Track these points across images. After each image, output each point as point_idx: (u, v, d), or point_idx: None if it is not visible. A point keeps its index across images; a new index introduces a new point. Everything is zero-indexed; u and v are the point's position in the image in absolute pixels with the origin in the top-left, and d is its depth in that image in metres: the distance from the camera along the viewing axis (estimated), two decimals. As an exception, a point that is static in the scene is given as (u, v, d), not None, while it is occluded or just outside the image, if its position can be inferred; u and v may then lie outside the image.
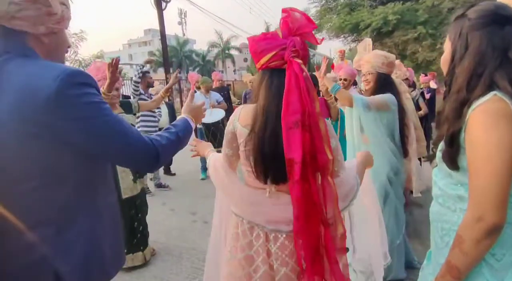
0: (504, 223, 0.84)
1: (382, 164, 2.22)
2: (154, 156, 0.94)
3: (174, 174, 5.57)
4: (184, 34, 41.49)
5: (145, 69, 4.25)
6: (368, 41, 2.51)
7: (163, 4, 9.52)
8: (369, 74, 2.28)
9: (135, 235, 2.60)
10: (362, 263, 1.51)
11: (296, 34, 1.10)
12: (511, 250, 0.88)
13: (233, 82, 24.38)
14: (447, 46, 1.00)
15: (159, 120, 4.71)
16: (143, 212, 2.71)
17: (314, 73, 2.60)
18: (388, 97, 2.20)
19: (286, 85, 1.04)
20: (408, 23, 11.11)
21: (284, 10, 1.14)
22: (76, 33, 10.04)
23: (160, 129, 4.67)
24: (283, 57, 1.08)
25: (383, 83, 2.25)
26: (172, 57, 36.19)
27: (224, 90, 6.92)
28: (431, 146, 1.12)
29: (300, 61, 1.06)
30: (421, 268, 1.18)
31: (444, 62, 1.02)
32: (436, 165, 1.05)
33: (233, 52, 41.23)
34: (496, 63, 0.87)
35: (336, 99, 2.76)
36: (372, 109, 2.18)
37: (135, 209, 2.62)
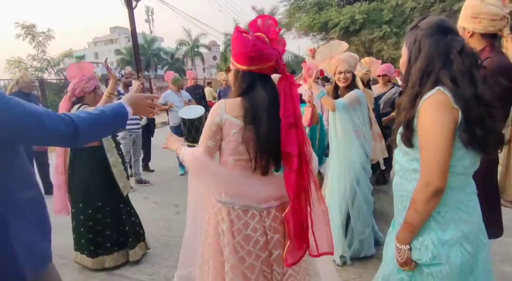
0: (445, 187, 1.10)
1: (356, 154, 2.59)
2: (72, 128, 1.00)
3: (152, 171, 5.60)
4: (151, 32, 40.36)
5: (123, 72, 4.42)
6: (343, 44, 2.75)
7: (134, 3, 9.26)
8: (348, 72, 2.55)
9: (136, 229, 2.69)
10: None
11: (274, 42, 1.32)
12: (452, 208, 1.15)
13: (204, 80, 24.18)
14: (404, 51, 1.25)
15: (141, 118, 4.74)
16: (133, 207, 2.79)
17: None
18: (357, 91, 2.54)
19: (283, 92, 1.28)
20: (374, 22, 11.60)
21: (263, 17, 1.31)
22: (43, 31, 9.49)
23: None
24: (276, 67, 1.31)
25: (354, 81, 2.60)
26: (140, 55, 35.09)
27: (199, 89, 6.94)
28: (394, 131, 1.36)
29: (289, 73, 1.32)
30: (387, 234, 1.42)
31: (402, 63, 1.27)
32: (397, 147, 1.31)
33: (202, 50, 40.75)
34: (440, 64, 1.12)
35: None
36: (350, 109, 2.51)
37: (130, 205, 2.71)
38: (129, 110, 1.21)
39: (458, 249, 1.13)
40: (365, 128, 2.67)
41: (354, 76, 2.61)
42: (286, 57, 18.79)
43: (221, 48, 42.05)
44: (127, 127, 4.32)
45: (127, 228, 2.58)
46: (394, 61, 12.09)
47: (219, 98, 7.32)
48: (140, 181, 4.89)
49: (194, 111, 4.72)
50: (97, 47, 51.92)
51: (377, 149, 2.99)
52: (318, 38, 16.37)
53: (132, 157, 4.85)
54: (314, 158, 1.50)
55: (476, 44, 1.74)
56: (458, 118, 1.08)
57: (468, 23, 1.75)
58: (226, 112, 1.30)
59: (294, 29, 15.89)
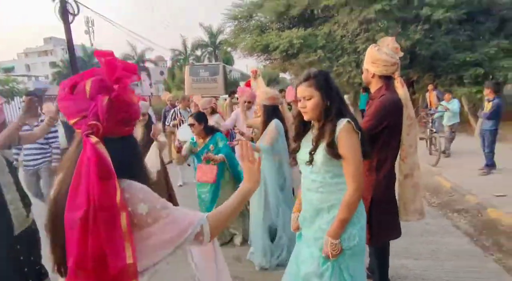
0: None
1: (275, 175, 2.98)
2: None
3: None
4: (92, 44, 38.40)
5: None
6: (260, 80, 3.33)
7: (70, 17, 8.81)
8: (258, 105, 3.12)
9: (36, 269, 2.42)
10: None
11: (108, 90, 0.91)
12: (361, 204, 1.71)
13: (150, 97, 23.51)
14: (317, 94, 1.63)
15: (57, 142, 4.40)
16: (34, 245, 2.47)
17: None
18: (275, 123, 2.92)
19: (76, 170, 0.84)
20: (309, 47, 12.43)
21: (98, 53, 0.93)
22: None
23: (62, 151, 4.37)
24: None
25: (270, 113, 3.01)
26: (79, 69, 33.07)
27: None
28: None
29: (94, 140, 0.84)
30: (296, 246, 1.90)
31: (317, 105, 1.65)
32: (311, 167, 1.69)
33: (149, 64, 39.77)
34: (340, 102, 1.65)
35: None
36: (272, 145, 2.90)
37: (30, 243, 2.42)
38: None
39: (363, 231, 1.71)
40: (283, 153, 3.00)
41: (268, 108, 3.02)
42: (233, 75, 19.17)
43: (168, 63, 41.46)
44: (32, 162, 4.07)
45: (26, 269, 2.35)
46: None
47: (164, 119, 7.00)
48: None
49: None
50: (29, 59, 47.83)
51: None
52: (262, 58, 17.02)
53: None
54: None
55: (376, 83, 2.23)
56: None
57: (370, 66, 2.19)
58: None
59: (239, 49, 16.33)
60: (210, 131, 3.37)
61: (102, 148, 0.85)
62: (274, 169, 2.98)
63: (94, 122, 0.86)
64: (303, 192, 1.82)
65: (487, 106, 5.70)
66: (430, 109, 10.08)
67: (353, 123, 1.59)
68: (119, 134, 0.95)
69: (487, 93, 5.79)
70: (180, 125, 5.24)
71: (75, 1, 8.93)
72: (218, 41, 31.80)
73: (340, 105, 1.64)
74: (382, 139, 2.18)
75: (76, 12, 9.00)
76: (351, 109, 2.20)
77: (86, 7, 9.72)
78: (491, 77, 11.36)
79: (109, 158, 0.85)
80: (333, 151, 1.58)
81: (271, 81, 39.95)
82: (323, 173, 1.66)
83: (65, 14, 8.77)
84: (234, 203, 1.12)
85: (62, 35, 9.75)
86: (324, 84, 1.63)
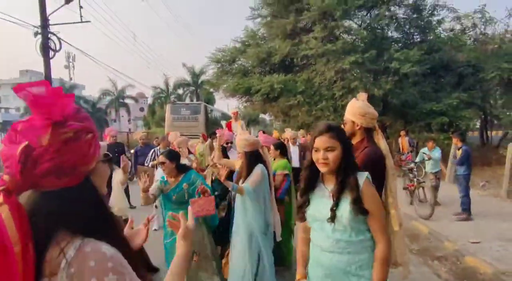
0: None
1: (259, 218, 3.00)
2: None
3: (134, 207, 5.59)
4: (71, 79, 38.24)
5: None
6: (241, 123, 3.40)
7: (51, 53, 8.93)
8: (239, 153, 3.26)
9: None
10: None
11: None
12: None
13: (128, 133, 23.23)
14: (339, 146, 1.57)
15: None
16: None
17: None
18: (260, 168, 3.02)
19: None
20: (290, 91, 13.09)
21: (18, 89, 0.71)
22: None
23: None
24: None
25: (253, 158, 3.07)
26: (55, 102, 32.49)
27: (119, 146, 6.50)
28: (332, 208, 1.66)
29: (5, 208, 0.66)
30: None
31: (338, 158, 1.58)
32: (333, 225, 1.58)
33: (129, 101, 39.75)
34: (353, 156, 1.69)
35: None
36: (257, 189, 2.94)
37: None
38: None
39: None
40: (267, 197, 3.11)
41: (249, 154, 3.08)
42: (214, 115, 19.52)
43: (150, 100, 41.67)
44: None
45: None
46: (308, 126, 13.59)
47: (136, 158, 6.81)
48: None
49: None
50: (2, 90, 46.66)
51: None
52: (243, 100, 17.56)
53: None
54: None
55: (360, 135, 2.31)
56: None
57: (357, 119, 2.23)
58: None
59: (221, 90, 16.85)
60: (182, 169, 3.15)
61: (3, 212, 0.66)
62: (258, 211, 3.01)
63: (3, 175, 0.70)
64: (317, 254, 1.66)
65: (458, 153, 6.16)
66: (403, 154, 10.65)
67: (369, 177, 1.59)
68: (56, 187, 0.73)
69: (455, 142, 6.30)
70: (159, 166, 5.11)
71: (58, 38, 9.06)
72: (200, 81, 32.63)
73: (354, 158, 1.64)
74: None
75: (57, 48, 9.11)
76: None
77: (69, 43, 9.91)
78: (455, 125, 12.33)
79: (7, 228, 0.65)
80: (360, 207, 1.51)
81: (252, 121, 40.79)
82: (349, 231, 1.57)
83: (46, 49, 8.84)
84: (182, 270, 0.98)
85: (40, 69, 9.70)
86: (344, 137, 1.63)
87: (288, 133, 7.54)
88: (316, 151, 1.58)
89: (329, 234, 1.59)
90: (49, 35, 8.86)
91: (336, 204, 1.55)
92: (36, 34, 8.59)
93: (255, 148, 3.10)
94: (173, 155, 3.13)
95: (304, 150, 6.82)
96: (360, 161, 2.16)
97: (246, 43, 15.82)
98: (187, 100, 31.74)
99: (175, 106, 16.57)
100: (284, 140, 6.96)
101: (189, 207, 2.30)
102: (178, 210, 2.73)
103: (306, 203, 1.66)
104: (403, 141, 10.94)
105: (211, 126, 14.78)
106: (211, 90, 19.92)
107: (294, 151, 6.87)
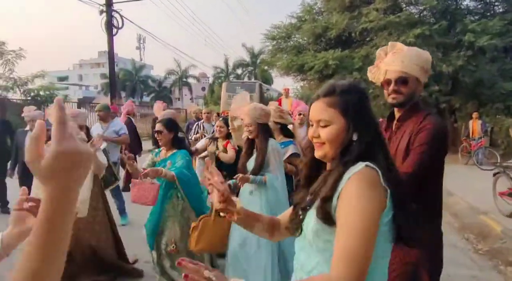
0: None
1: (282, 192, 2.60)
2: None
3: None
4: (141, 59, 41.33)
5: None
6: (245, 94, 2.90)
7: (114, 30, 9.70)
8: (250, 125, 2.56)
9: None
10: None
11: None
12: None
13: (186, 110, 24.50)
14: (340, 120, 0.97)
15: None
16: None
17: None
18: (272, 144, 2.56)
19: None
20: (345, 69, 12.39)
21: None
22: (14, 50, 9.58)
23: None
24: None
25: (264, 131, 2.59)
26: (126, 81, 35.57)
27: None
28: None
29: None
30: None
31: (337, 137, 0.98)
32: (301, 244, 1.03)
33: (191, 80, 41.76)
34: (375, 140, 1.00)
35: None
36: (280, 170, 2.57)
37: None
38: None
39: None
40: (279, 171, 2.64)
41: (262, 127, 2.59)
42: (270, 94, 19.53)
43: (210, 80, 43.24)
44: None
45: None
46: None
47: (187, 131, 6.78)
48: None
49: None
50: (83, 70, 52.40)
51: None
52: (298, 78, 17.22)
53: None
54: None
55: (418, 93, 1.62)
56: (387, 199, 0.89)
57: (423, 74, 1.56)
58: None
59: (275, 68, 16.72)
60: (178, 144, 2.77)
61: None
62: (284, 200, 2.53)
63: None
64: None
65: None
66: (474, 139, 9.50)
67: (379, 171, 0.90)
68: None
69: None
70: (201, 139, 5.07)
71: (120, 16, 9.78)
72: (258, 61, 32.74)
73: (375, 144, 0.97)
74: (434, 177, 1.53)
75: (120, 25, 9.84)
76: None
77: (132, 21, 10.61)
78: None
79: None
80: (325, 212, 0.92)
81: (307, 102, 39.78)
82: (312, 251, 0.99)
83: (109, 27, 9.61)
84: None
85: (115, 50, 10.57)
86: (355, 106, 0.97)
87: None
88: (311, 125, 1.02)
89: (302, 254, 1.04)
90: (112, 13, 9.61)
91: (309, 204, 1.00)
92: (101, 12, 9.39)
93: (267, 121, 2.68)
94: (172, 125, 2.77)
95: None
96: (426, 133, 1.49)
97: (302, 19, 15.25)
98: (245, 79, 32.16)
99: (230, 84, 16.85)
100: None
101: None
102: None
103: (302, 201, 1.06)
104: (475, 125, 9.76)
105: (266, 105, 14.77)
106: (266, 68, 19.81)
107: None
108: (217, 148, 3.63)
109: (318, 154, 1.01)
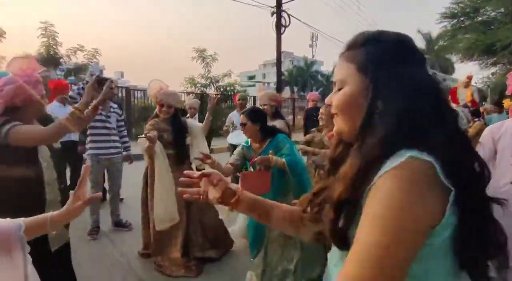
0: None
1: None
2: None
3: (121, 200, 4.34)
4: (313, 56, 43.62)
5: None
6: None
7: (282, 29, 11.22)
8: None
9: None
10: None
11: None
12: None
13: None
14: (357, 79, 0.69)
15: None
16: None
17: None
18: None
19: None
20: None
21: None
22: (211, 54, 11.50)
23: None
24: None
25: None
26: (298, 76, 38.78)
27: (317, 111, 7.08)
28: None
29: None
30: None
31: (352, 103, 0.70)
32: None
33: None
34: (425, 109, 0.64)
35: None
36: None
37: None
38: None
39: None
40: None
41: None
42: (447, 84, 17.30)
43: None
44: (97, 151, 3.60)
45: None
46: None
47: (306, 119, 6.34)
48: (118, 224, 3.72)
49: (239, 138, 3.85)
50: (266, 69, 60.37)
51: None
52: (485, 63, 14.20)
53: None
54: None
55: None
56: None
57: None
58: None
59: (454, 53, 14.49)
60: (269, 133, 2.46)
61: None
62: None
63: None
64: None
65: None
66: None
67: (435, 164, 0.56)
68: None
69: None
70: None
71: (288, 15, 11.13)
72: (436, 48, 28.64)
73: (425, 118, 0.61)
74: None
75: (287, 24, 11.20)
76: None
77: (299, 20, 11.83)
78: None
79: None
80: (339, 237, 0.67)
81: (502, 93, 31.30)
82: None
83: (278, 26, 11.10)
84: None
85: (292, 50, 12.19)
86: (379, 58, 0.66)
87: None
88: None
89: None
90: (281, 13, 11.11)
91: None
92: (272, 13, 11.03)
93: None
94: (256, 115, 2.45)
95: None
96: None
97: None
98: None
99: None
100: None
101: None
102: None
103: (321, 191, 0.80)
104: None
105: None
106: (442, 54, 17.19)
107: None
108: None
109: (334, 129, 0.76)
